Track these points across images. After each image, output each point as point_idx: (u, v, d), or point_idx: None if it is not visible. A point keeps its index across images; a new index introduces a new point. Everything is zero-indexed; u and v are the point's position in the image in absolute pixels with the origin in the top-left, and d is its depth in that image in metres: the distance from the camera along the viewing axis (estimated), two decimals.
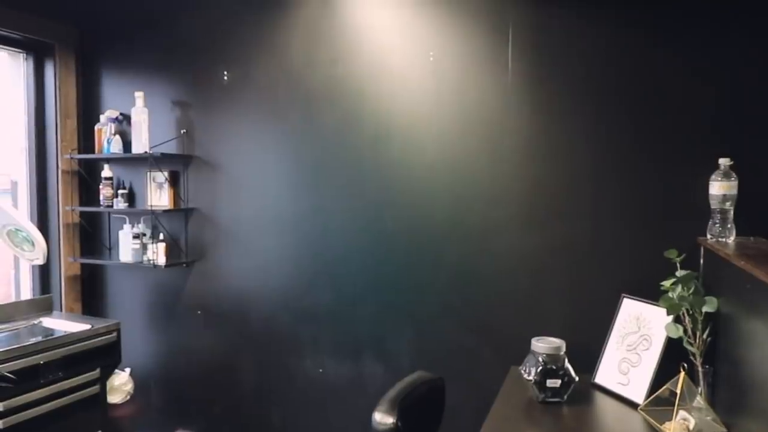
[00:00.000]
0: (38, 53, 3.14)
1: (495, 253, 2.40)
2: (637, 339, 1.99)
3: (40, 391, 2.37)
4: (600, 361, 2.09)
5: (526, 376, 1.93)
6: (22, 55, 3.13)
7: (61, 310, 3.12)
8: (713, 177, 1.94)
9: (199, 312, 3.01)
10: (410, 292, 2.56)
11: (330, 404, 2.74)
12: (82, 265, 3.25)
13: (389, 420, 1.60)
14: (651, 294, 2.00)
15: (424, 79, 2.48)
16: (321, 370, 2.75)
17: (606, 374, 2.04)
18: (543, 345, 1.93)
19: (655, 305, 1.94)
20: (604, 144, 2.23)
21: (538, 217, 2.33)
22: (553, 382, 1.88)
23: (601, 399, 1.99)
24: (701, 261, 2.06)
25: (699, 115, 2.11)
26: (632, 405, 1.88)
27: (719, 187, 1.92)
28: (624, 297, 2.10)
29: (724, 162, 1.92)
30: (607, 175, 2.23)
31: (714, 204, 1.95)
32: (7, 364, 2.25)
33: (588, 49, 2.23)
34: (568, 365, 1.91)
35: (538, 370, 1.89)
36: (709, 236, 1.97)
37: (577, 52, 2.25)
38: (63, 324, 2.73)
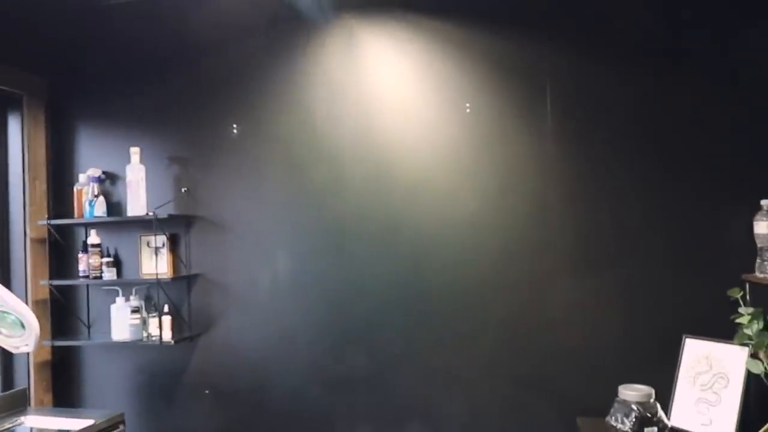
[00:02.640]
0: (1, 105, 2.76)
1: (544, 304, 2.39)
2: (710, 378, 2.04)
3: None
4: (671, 404, 2.11)
5: (619, 426, 1.90)
6: None
7: (30, 406, 2.64)
8: (758, 217, 2.08)
9: (207, 391, 2.68)
10: (455, 350, 2.46)
11: None
12: (53, 349, 2.80)
13: None
14: (709, 332, 2.08)
15: (460, 131, 2.47)
16: None
17: (682, 416, 2.07)
18: (634, 393, 1.92)
19: (725, 343, 2.01)
20: (649, 189, 2.31)
21: (587, 264, 2.36)
22: (650, 431, 1.87)
23: None
24: (747, 297, 2.18)
25: (740, 158, 2.24)
26: None
27: (766, 227, 2.06)
28: (687, 337, 2.16)
29: (766, 203, 2.08)
30: (655, 217, 2.31)
31: (761, 242, 2.09)
32: None
33: (627, 98, 2.33)
34: (661, 411, 1.91)
35: (633, 419, 1.87)
36: (759, 273, 2.09)
37: (617, 101, 2.34)
38: (52, 423, 2.32)
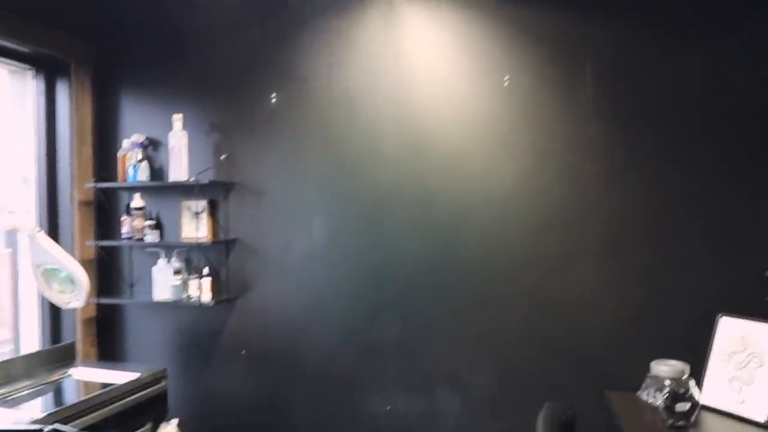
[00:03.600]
0: (50, 71, 2.84)
1: (578, 279, 2.39)
2: (745, 357, 2.03)
3: None
4: (703, 382, 2.11)
5: (651, 400, 1.91)
6: (30, 72, 2.81)
7: (77, 358, 2.78)
8: None
9: (243, 352, 2.78)
10: (486, 320, 2.50)
11: None
12: (98, 306, 2.93)
13: None
14: (744, 312, 2.06)
15: (497, 104, 2.46)
16: (389, 407, 2.60)
17: (714, 395, 2.06)
18: (667, 368, 1.93)
19: (761, 322, 1.99)
20: (691, 166, 2.28)
21: (623, 240, 2.35)
22: (682, 406, 1.87)
23: (715, 420, 2.00)
24: None
25: None
26: (753, 423, 1.90)
27: None
28: (722, 316, 2.15)
29: None
30: (692, 196, 2.28)
31: None
32: (68, 425, 1.96)
33: (670, 74, 2.29)
34: (694, 388, 1.91)
35: (666, 394, 1.88)
36: None
37: (660, 77, 2.30)
38: (98, 374, 2.44)
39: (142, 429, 2.31)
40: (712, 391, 2.08)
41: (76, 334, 2.82)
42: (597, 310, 2.38)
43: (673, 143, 2.29)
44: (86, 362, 2.66)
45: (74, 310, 2.80)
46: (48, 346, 2.72)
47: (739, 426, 1.94)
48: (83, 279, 2.26)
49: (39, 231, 2.18)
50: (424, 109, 2.54)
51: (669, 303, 2.31)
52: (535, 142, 2.42)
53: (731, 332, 2.11)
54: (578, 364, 2.40)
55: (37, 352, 2.52)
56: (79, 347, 2.82)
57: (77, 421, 2.01)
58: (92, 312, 2.91)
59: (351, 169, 2.64)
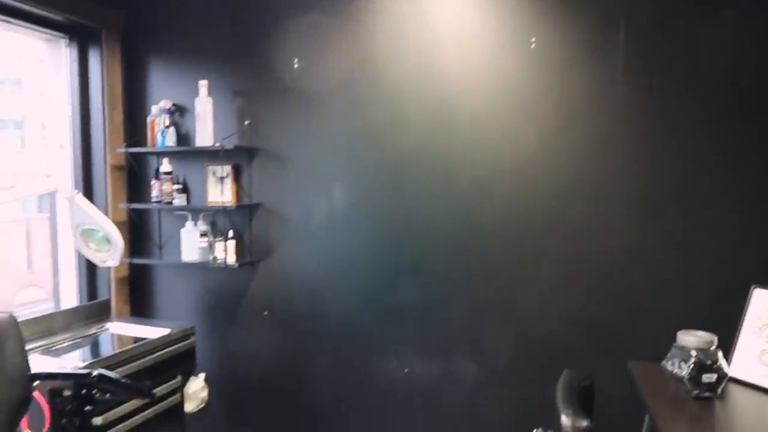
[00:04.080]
0: (82, 39, 2.90)
1: (604, 247, 2.32)
2: None
3: (130, 403, 2.17)
4: (732, 354, 2.03)
5: (676, 371, 1.85)
6: (63, 40, 2.88)
7: (112, 314, 2.90)
8: None
9: (265, 313, 2.84)
10: (508, 287, 2.46)
11: (417, 405, 2.62)
12: (130, 266, 3.03)
13: (584, 423, 1.49)
14: None
15: (524, 67, 2.37)
16: (407, 370, 2.62)
17: (743, 367, 1.98)
18: (693, 339, 1.85)
19: None
20: (724, 131, 2.16)
21: (650, 208, 2.26)
22: (709, 377, 1.81)
23: (744, 393, 1.92)
24: None
25: None
26: None
27: None
28: (755, 288, 2.05)
29: None
30: (725, 162, 2.16)
31: None
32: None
33: (709, 38, 2.15)
34: (722, 360, 1.84)
35: (692, 364, 1.82)
36: None
37: (697, 41, 2.16)
38: (133, 329, 2.55)
39: (172, 381, 2.39)
40: (742, 364, 2.00)
41: (110, 292, 2.93)
42: (622, 278, 2.31)
43: (706, 107, 2.17)
44: (120, 318, 2.78)
45: (108, 269, 2.92)
46: (85, 303, 2.85)
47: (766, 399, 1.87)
48: (118, 239, 2.33)
49: (77, 193, 2.26)
50: (448, 73, 2.47)
51: (698, 273, 2.22)
52: (561, 105, 2.33)
53: (764, 304, 2.01)
54: (600, 333, 2.34)
55: (75, 308, 2.64)
56: (114, 304, 2.94)
57: (116, 371, 2.10)
58: (125, 272, 3.01)
59: (373, 135, 2.61)
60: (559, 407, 1.54)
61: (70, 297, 2.94)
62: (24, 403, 1.64)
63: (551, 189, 2.37)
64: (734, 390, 1.95)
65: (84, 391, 1.43)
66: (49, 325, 2.48)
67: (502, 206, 2.44)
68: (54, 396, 1.91)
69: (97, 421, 2.00)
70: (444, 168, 2.51)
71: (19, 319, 2.30)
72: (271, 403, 2.86)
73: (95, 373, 1.43)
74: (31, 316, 2.41)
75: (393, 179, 2.59)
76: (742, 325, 2.04)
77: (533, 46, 2.35)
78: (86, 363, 2.04)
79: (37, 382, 1.75)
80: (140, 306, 3.05)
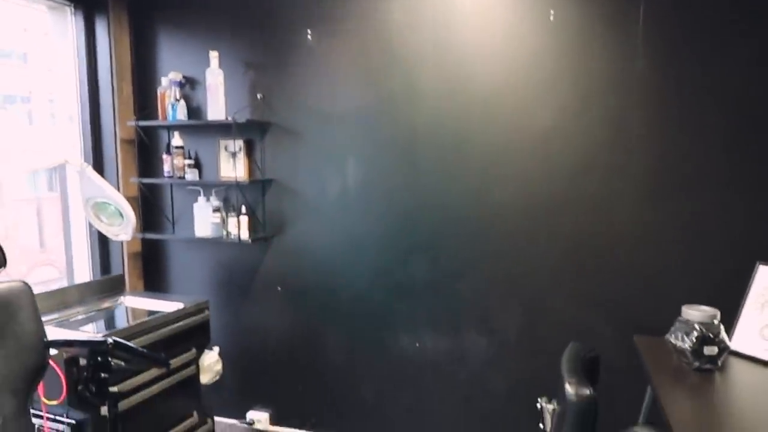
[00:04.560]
0: (88, 7, 2.86)
1: (614, 225, 2.38)
2: None
3: (147, 373, 2.24)
4: (734, 329, 2.11)
5: (679, 343, 1.93)
6: (69, 8, 2.84)
7: (126, 288, 2.94)
8: None
9: (279, 288, 2.89)
10: (518, 265, 2.52)
11: (427, 379, 2.71)
12: (143, 241, 3.06)
13: (586, 391, 1.57)
14: None
15: (541, 41, 2.38)
16: (418, 344, 2.70)
17: (744, 341, 2.07)
18: (697, 313, 1.93)
19: None
20: (739, 114, 2.20)
21: (663, 187, 2.30)
22: (711, 350, 1.89)
23: (744, 365, 2.01)
24: None
25: None
26: None
27: None
28: (760, 264, 2.12)
29: None
30: (738, 143, 2.21)
31: None
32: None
33: (732, 17, 2.17)
34: (724, 334, 1.92)
35: (695, 338, 1.90)
36: None
37: (720, 20, 2.18)
38: (147, 303, 2.59)
39: (187, 353, 2.46)
40: (744, 338, 2.08)
41: (124, 266, 2.97)
42: (631, 256, 2.37)
43: (727, 90, 2.20)
44: (134, 293, 2.82)
45: (121, 245, 2.95)
46: (98, 278, 2.88)
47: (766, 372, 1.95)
48: (130, 213, 2.36)
49: (87, 166, 2.27)
50: (464, 46, 2.48)
51: (706, 250, 2.28)
52: (578, 81, 2.36)
53: None
54: (610, 309, 2.42)
55: (88, 282, 2.67)
56: (127, 279, 2.98)
57: (133, 341, 2.15)
58: (138, 247, 3.05)
59: (386, 110, 2.62)
60: (563, 376, 1.61)
61: (84, 273, 2.97)
62: (40, 370, 1.68)
63: (563, 168, 2.41)
64: (735, 363, 2.03)
65: (99, 359, 1.48)
66: (62, 299, 2.51)
67: (514, 183, 2.48)
68: (70, 365, 1.97)
69: (113, 389, 2.07)
70: (458, 142, 2.53)
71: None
72: (285, 376, 2.95)
73: (111, 340, 1.48)
74: (45, 290, 2.44)
75: (406, 154, 2.62)
76: (745, 301, 2.12)
77: (552, 18, 2.36)
78: (102, 334, 2.09)
79: (54, 352, 1.80)
80: (154, 281, 3.09)
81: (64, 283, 2.96)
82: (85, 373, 1.50)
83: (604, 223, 2.39)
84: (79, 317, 2.43)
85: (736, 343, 2.09)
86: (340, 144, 2.71)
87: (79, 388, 1.54)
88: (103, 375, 1.53)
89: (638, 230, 2.35)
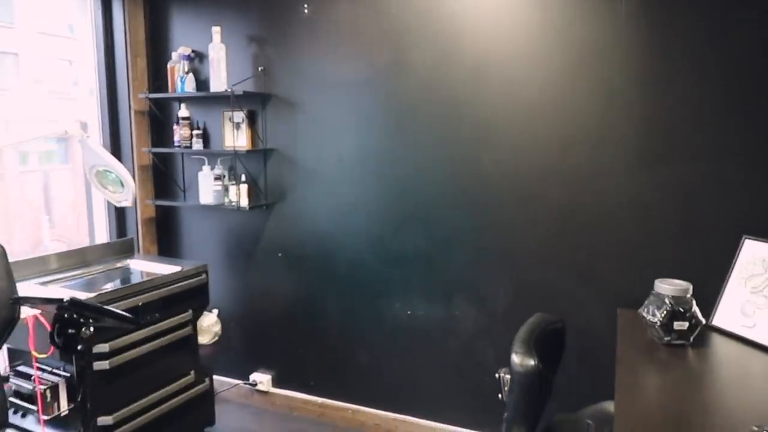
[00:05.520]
0: None
1: (602, 196, 2.32)
2: (763, 281, 1.93)
3: (138, 332, 2.39)
4: (718, 304, 2.03)
5: (649, 318, 1.88)
6: None
7: (139, 252, 3.13)
8: None
9: (279, 254, 2.99)
10: (507, 235, 2.51)
11: (419, 346, 2.75)
12: (157, 208, 3.23)
13: (531, 362, 1.57)
14: None
15: (528, 11, 2.34)
16: (409, 312, 2.74)
17: (726, 317, 1.99)
18: (669, 287, 1.87)
19: None
20: (725, 83, 2.09)
21: (650, 158, 2.23)
22: (680, 325, 1.84)
23: (722, 341, 1.94)
24: None
25: None
26: (759, 347, 1.84)
27: None
28: (746, 238, 2.02)
29: None
30: (727, 115, 2.11)
31: None
32: (110, 306, 2.26)
33: None
34: (695, 308, 1.86)
35: (665, 312, 1.85)
36: None
37: None
38: (150, 266, 2.74)
39: (183, 314, 2.60)
40: (725, 314, 2.00)
41: (137, 232, 3.15)
42: (620, 227, 2.32)
43: (717, 57, 2.10)
44: (142, 256, 2.99)
45: (135, 211, 3.13)
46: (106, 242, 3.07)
47: (745, 350, 1.88)
48: (129, 180, 2.50)
49: (87, 136, 2.41)
50: (453, 16, 2.46)
51: (695, 223, 2.21)
52: (565, 51, 2.30)
53: (753, 255, 2.00)
54: (595, 281, 2.38)
55: (97, 246, 2.85)
56: (141, 244, 3.16)
57: (124, 302, 2.31)
58: (152, 213, 3.22)
59: (380, 81, 2.65)
60: (512, 346, 1.62)
61: (102, 238, 3.18)
62: (9, 323, 1.86)
63: (552, 137, 2.37)
64: (715, 339, 1.97)
65: (66, 315, 1.59)
66: (71, 261, 2.67)
67: (504, 153, 2.46)
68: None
69: (104, 347, 2.23)
70: (448, 112, 2.53)
71: (43, 254, 2.55)
72: (287, 340, 3.06)
73: (67, 297, 1.60)
74: (55, 252, 2.63)
75: (399, 125, 2.64)
76: (730, 275, 2.04)
77: None
78: (95, 294, 2.24)
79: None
80: (167, 246, 3.27)
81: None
82: (54, 327, 1.62)
83: (592, 194, 2.34)
84: (85, 278, 2.58)
85: (718, 319, 2.02)
86: (336, 114, 2.76)
87: (56, 341, 1.67)
88: (70, 331, 1.64)
89: (626, 201, 2.29)
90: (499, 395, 1.77)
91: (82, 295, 2.23)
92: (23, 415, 2.33)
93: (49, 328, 1.93)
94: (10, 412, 2.37)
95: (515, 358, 1.61)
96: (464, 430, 2.70)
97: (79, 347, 1.73)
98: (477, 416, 2.65)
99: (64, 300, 1.58)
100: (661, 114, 2.19)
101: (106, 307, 1.72)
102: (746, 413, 1.43)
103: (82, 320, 1.69)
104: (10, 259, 1.97)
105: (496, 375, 1.79)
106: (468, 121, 2.50)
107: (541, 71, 2.35)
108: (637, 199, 2.27)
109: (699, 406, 1.46)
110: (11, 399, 2.39)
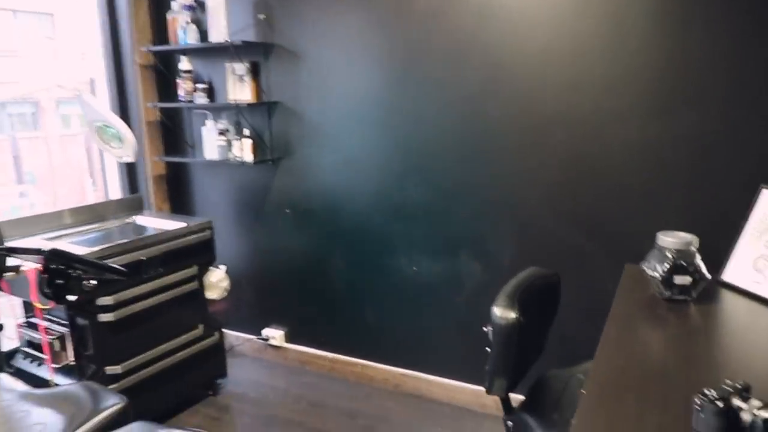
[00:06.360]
0: None
1: (612, 144, 2.19)
2: None
3: (143, 286, 2.43)
4: (730, 258, 1.90)
5: (650, 272, 1.78)
6: None
7: (150, 209, 3.16)
8: None
9: (287, 210, 2.97)
10: (513, 187, 2.41)
11: (424, 302, 2.71)
12: (167, 164, 3.25)
13: (511, 315, 1.52)
14: None
15: None
16: (415, 269, 2.69)
17: (737, 272, 1.87)
18: (671, 239, 1.76)
19: None
20: (746, 23, 1.90)
21: (663, 104, 2.07)
22: (682, 279, 1.73)
23: (730, 297, 1.83)
24: None
25: None
26: None
27: None
28: (763, 188, 1.87)
29: None
30: (748, 59, 1.92)
31: None
32: (112, 260, 2.30)
33: None
34: (699, 262, 1.74)
35: (666, 266, 1.74)
36: None
37: None
38: (156, 222, 2.76)
39: (188, 269, 2.62)
40: (736, 269, 1.88)
41: (148, 189, 3.18)
42: (630, 177, 2.19)
43: None
44: (153, 213, 3.02)
45: (144, 168, 3.14)
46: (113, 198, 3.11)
47: (753, 306, 1.76)
48: (128, 135, 2.49)
49: (83, 91, 2.40)
50: None
51: (709, 173, 2.06)
52: None
53: None
54: (603, 234, 2.28)
55: (107, 202, 2.89)
56: (153, 201, 3.19)
57: (125, 256, 2.34)
58: (162, 170, 3.23)
59: (382, 26, 2.53)
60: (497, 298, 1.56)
61: (115, 191, 3.23)
62: None
63: (562, 80, 2.23)
64: (723, 294, 1.85)
65: (53, 266, 1.61)
66: (81, 218, 2.71)
67: (510, 98, 2.34)
68: None
69: (108, 300, 2.28)
70: (453, 57, 2.42)
71: (51, 210, 2.59)
72: (298, 296, 3.08)
73: (48, 248, 1.61)
74: (66, 208, 2.68)
75: (401, 70, 2.54)
76: (743, 229, 1.90)
77: None
78: (99, 248, 2.28)
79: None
80: (178, 203, 3.29)
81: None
82: (41, 277, 1.65)
83: (600, 142, 2.20)
84: (91, 234, 2.62)
85: (728, 274, 1.89)
86: (341, 64, 2.67)
87: (45, 291, 1.70)
88: (58, 281, 1.67)
89: (638, 150, 2.15)
90: (487, 348, 1.73)
91: (85, 250, 2.27)
92: (38, 364, 2.43)
93: (31, 280, 1.97)
94: (26, 361, 2.48)
95: (496, 311, 1.56)
96: (469, 385, 2.68)
97: (69, 298, 1.77)
98: (481, 372, 2.60)
99: (44, 250, 1.59)
100: (678, 57, 2.02)
101: (89, 258, 1.73)
102: (732, 367, 1.34)
103: (70, 271, 1.72)
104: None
105: (484, 329, 1.75)
106: (472, 66, 2.38)
107: (550, 10, 2.19)
108: (649, 147, 2.13)
109: (683, 361, 1.38)
110: (24, 349, 2.50)
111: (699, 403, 0.94)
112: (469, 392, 2.68)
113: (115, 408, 1.57)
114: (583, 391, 1.19)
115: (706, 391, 0.94)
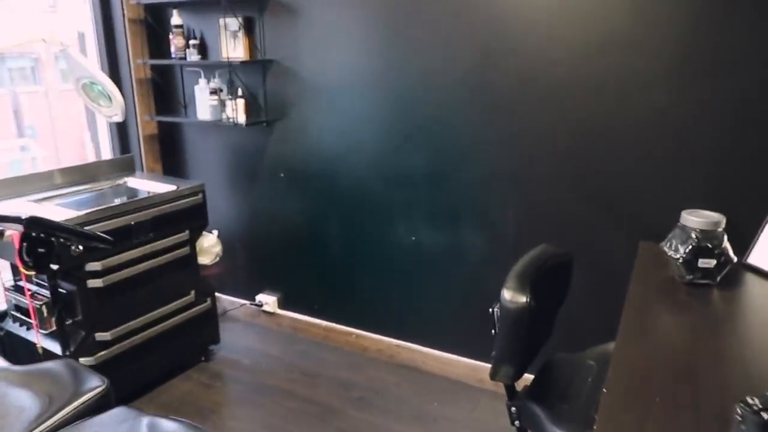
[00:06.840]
0: None
1: (630, 113, 2.02)
2: None
3: (133, 251, 2.32)
4: (757, 239, 1.77)
5: (671, 253, 1.65)
6: None
7: (142, 171, 3.03)
8: None
9: (282, 174, 2.84)
10: (519, 156, 2.26)
11: (422, 272, 2.60)
12: (159, 124, 3.09)
13: (522, 299, 1.40)
14: None
15: None
16: (414, 238, 2.57)
17: (764, 255, 1.74)
18: (697, 219, 1.62)
19: None
20: None
21: (693, 68, 1.90)
22: (706, 262, 1.60)
23: (756, 282, 1.70)
24: None
25: None
26: None
27: None
28: None
29: None
30: None
31: None
32: (100, 224, 2.18)
33: None
34: (727, 244, 1.61)
35: (689, 247, 1.61)
36: None
37: None
38: (147, 185, 2.63)
39: (180, 234, 2.51)
40: (763, 251, 1.75)
41: (140, 149, 3.04)
42: (649, 149, 2.03)
43: None
44: (144, 174, 2.88)
45: (136, 127, 2.99)
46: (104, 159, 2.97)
47: None
48: (116, 93, 2.34)
49: (68, 46, 2.24)
50: None
51: (738, 146, 1.90)
52: None
53: None
54: (619, 208, 2.14)
55: (97, 162, 2.75)
56: (144, 162, 3.05)
57: (114, 221, 2.23)
58: (153, 130, 3.08)
59: None
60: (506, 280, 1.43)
61: (106, 151, 3.08)
62: None
63: (576, 44, 2.05)
64: (748, 278, 1.73)
65: (34, 234, 1.51)
66: (70, 178, 2.58)
67: (520, 62, 2.16)
68: None
69: (96, 266, 2.17)
70: (458, 15, 2.22)
71: (39, 171, 2.45)
72: (292, 263, 2.97)
73: (26, 216, 1.50)
74: (55, 168, 2.54)
75: (403, 29, 2.36)
76: None
77: None
78: (85, 212, 2.15)
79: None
80: (170, 164, 3.15)
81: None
82: (22, 245, 1.54)
83: (618, 110, 2.04)
84: (79, 195, 2.50)
85: (754, 257, 1.77)
86: (339, 20, 2.48)
87: (26, 260, 1.59)
88: (40, 250, 1.56)
89: (660, 119, 1.99)
90: (492, 331, 1.62)
91: (72, 214, 2.15)
92: (27, 329, 2.34)
93: (16, 247, 1.86)
94: (15, 324, 2.39)
95: (505, 294, 1.43)
96: (465, 359, 2.59)
97: (52, 266, 1.66)
98: (479, 346, 2.52)
99: (23, 218, 1.47)
100: (709, 14, 1.84)
101: (70, 226, 1.61)
102: (765, 363, 1.23)
103: (53, 239, 1.61)
104: None
105: (490, 310, 1.63)
106: (476, 26, 2.20)
107: None
108: (673, 116, 1.97)
109: (712, 356, 1.26)
110: (13, 312, 2.40)
111: (741, 413, 0.83)
112: (465, 366, 2.59)
113: (96, 391, 1.48)
114: (605, 390, 1.08)
115: (749, 400, 0.83)
